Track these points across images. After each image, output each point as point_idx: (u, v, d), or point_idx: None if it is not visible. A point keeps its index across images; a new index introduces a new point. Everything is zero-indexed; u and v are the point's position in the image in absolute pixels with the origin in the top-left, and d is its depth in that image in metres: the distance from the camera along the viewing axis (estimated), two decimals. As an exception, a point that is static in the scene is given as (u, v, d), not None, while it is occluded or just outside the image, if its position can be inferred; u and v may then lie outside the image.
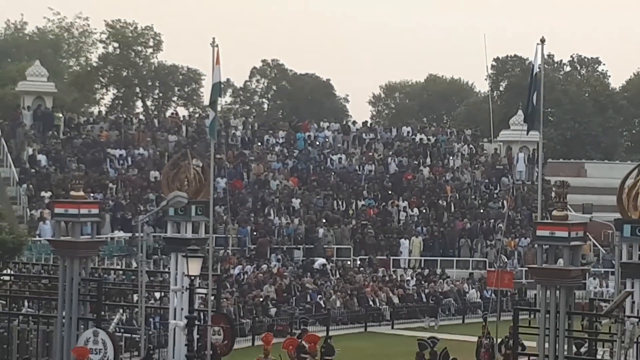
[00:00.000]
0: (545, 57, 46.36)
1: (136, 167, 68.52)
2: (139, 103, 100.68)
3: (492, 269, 58.63)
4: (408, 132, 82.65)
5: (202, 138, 68.37)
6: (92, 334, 34.99)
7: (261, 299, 55.56)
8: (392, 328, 57.72)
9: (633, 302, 31.13)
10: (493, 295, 57.83)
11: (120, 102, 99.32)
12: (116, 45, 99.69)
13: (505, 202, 73.25)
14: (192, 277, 32.37)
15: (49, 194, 60.72)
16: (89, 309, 37.79)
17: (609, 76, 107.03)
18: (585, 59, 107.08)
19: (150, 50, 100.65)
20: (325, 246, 64.93)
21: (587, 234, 33.74)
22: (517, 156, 78.57)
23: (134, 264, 49.08)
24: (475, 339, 43.46)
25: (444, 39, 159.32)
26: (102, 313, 37.87)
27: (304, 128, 79.10)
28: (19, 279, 43.31)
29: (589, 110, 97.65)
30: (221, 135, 68.42)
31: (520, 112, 72.53)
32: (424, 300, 61.36)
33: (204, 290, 38.37)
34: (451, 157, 78.89)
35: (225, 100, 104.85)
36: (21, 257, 47.94)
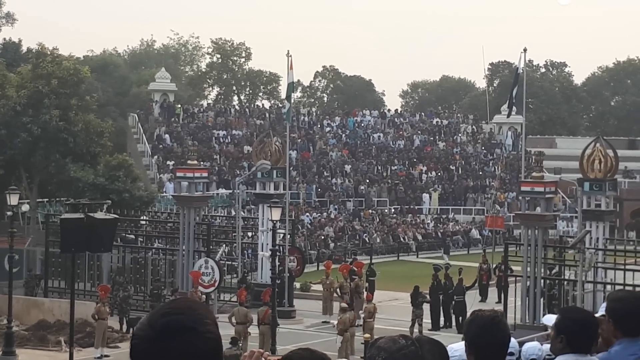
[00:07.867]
0: (527, 61, 45.97)
1: (233, 143, 68.65)
2: (235, 97, 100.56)
3: (489, 215, 58.39)
4: (427, 116, 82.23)
5: (280, 122, 68.41)
6: (203, 262, 35.22)
7: (323, 237, 55.66)
8: (417, 257, 57.57)
9: (590, 238, 31.08)
10: (489, 233, 57.63)
11: (222, 97, 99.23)
12: (219, 56, 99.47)
13: (497, 166, 72.93)
14: (274, 221, 32.48)
15: (172, 162, 61.03)
16: (201, 244, 38.10)
17: (573, 75, 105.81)
18: (556, 63, 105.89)
19: (243, 59, 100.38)
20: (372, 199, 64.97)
21: (557, 189, 33.56)
22: (506, 133, 78.02)
23: (233, 212, 49.29)
24: (477, 264, 43.42)
25: (452, 48, 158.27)
26: (211, 247, 38.16)
27: (353, 114, 78.89)
28: (152, 223, 43.70)
29: (558, 100, 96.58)
30: (294, 120, 68.35)
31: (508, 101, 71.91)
32: (440, 237, 61.24)
33: (283, 231, 38.51)
34: (459, 135, 78.40)
35: (296, 95, 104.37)
36: (153, 208, 48.33)
